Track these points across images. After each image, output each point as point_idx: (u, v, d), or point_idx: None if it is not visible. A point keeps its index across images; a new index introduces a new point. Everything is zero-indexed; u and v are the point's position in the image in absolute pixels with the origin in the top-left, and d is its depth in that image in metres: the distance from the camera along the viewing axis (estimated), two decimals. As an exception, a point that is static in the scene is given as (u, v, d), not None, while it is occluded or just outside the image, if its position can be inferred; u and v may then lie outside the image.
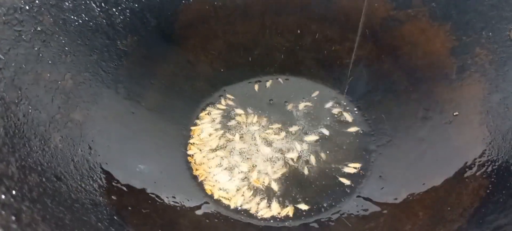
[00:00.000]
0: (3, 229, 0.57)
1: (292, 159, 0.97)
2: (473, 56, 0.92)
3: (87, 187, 0.80)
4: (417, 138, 0.93)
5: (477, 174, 0.79)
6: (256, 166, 0.95)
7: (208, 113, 1.06)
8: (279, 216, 0.89)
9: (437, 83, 0.97)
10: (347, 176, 0.93)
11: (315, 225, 0.87)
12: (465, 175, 0.81)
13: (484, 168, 0.79)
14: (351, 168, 0.94)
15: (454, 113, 0.91)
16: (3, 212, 0.59)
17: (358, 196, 0.91)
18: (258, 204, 0.90)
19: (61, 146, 0.80)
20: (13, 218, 0.60)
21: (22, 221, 0.61)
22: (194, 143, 1.00)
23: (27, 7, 0.83)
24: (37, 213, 0.65)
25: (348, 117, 1.03)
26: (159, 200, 0.87)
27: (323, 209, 0.89)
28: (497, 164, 0.78)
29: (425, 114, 0.96)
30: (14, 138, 0.72)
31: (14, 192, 0.64)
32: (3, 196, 0.62)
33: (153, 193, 0.87)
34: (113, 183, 0.84)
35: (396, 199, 0.86)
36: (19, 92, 0.77)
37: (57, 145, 0.79)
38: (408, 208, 0.83)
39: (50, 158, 0.77)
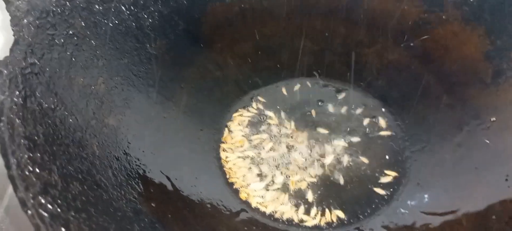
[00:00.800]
0: (55, 241, 0.56)
1: (326, 165, 0.95)
2: (508, 60, 0.91)
3: (127, 195, 0.78)
4: (454, 143, 0.92)
5: (522, 182, 0.78)
6: (290, 171, 0.94)
7: (240, 115, 1.04)
8: (318, 224, 0.87)
9: (471, 88, 0.96)
10: (384, 184, 0.91)
11: (356, 233, 0.85)
12: (508, 182, 0.79)
13: (528, 176, 0.78)
14: (388, 176, 0.92)
15: (492, 119, 0.89)
16: (53, 223, 0.58)
17: (397, 204, 0.89)
18: (297, 211, 0.89)
19: (98, 153, 0.79)
20: (63, 229, 0.58)
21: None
22: (227, 148, 0.99)
23: (59, 10, 0.81)
24: (84, 222, 0.64)
25: (381, 122, 1.02)
26: (197, 207, 0.85)
27: (361, 217, 0.88)
28: (542, 170, 0.77)
29: (460, 120, 0.95)
30: (53, 145, 0.70)
31: (59, 201, 0.62)
32: (50, 206, 0.60)
33: (190, 199, 0.86)
34: (151, 190, 0.83)
35: (437, 207, 0.85)
36: (55, 98, 0.75)
37: (95, 151, 0.78)
38: (451, 217, 0.81)
39: (89, 166, 0.75)
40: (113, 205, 0.74)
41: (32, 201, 0.59)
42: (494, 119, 0.90)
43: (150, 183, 0.85)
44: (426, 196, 0.88)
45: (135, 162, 0.85)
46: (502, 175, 0.82)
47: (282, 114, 1.05)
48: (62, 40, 0.81)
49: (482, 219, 0.79)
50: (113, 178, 0.78)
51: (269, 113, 1.05)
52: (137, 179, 0.83)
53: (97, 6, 0.90)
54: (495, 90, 0.92)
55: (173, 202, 0.84)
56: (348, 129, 1.03)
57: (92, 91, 0.84)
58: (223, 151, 0.99)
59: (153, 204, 0.80)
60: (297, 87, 1.11)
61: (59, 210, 0.62)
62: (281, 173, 0.94)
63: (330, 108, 1.07)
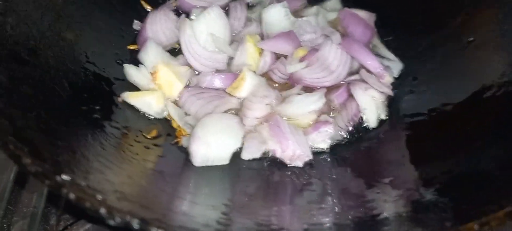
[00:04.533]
0: None
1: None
2: (487, -19, 0.87)
3: (82, 106, 0.74)
4: (433, 64, 0.90)
5: (498, 94, 0.76)
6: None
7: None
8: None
9: (450, 10, 0.92)
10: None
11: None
12: (485, 96, 0.77)
13: (504, 88, 0.75)
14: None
15: (469, 39, 0.86)
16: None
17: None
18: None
19: (53, 63, 0.74)
20: (7, 122, 0.54)
21: (16, 125, 0.55)
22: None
23: None
24: (32, 120, 0.59)
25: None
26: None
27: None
28: (517, 82, 0.74)
29: (438, 41, 0.92)
30: (2, 49, 0.66)
31: (4, 99, 0.58)
32: (-7, 100, 0.55)
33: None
34: (109, 106, 0.80)
35: (417, 120, 0.84)
36: (7, 3, 0.70)
37: (49, 62, 0.73)
38: (432, 127, 0.81)
39: (42, 74, 0.71)
40: (67, 112, 0.69)
41: (-28, 91, 0.54)
42: (472, 38, 0.87)
43: (107, 99, 0.81)
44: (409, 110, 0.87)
45: (92, 77, 0.81)
46: (478, 90, 0.79)
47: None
48: None
49: (459, 128, 0.77)
50: (69, 89, 0.74)
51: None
52: (94, 93, 0.79)
53: None
54: (474, 11, 0.89)
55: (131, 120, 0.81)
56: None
57: (48, 3, 0.79)
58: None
59: (109, 118, 0.76)
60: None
61: (3, 105, 0.57)
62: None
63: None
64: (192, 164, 0.76)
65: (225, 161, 0.77)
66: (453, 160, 0.71)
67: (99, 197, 0.48)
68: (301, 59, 0.88)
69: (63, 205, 0.78)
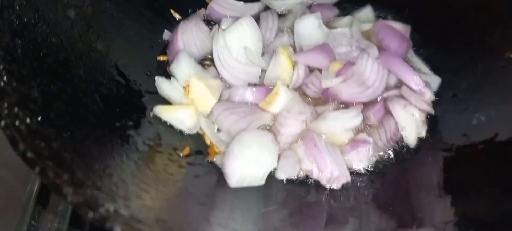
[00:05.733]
0: (34, 154, 0.48)
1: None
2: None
3: (115, 122, 0.71)
4: (472, 80, 0.86)
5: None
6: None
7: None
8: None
9: (488, 25, 0.88)
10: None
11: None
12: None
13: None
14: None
15: (511, 55, 0.82)
16: (31, 137, 0.50)
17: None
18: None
19: (84, 76, 0.71)
20: (43, 144, 0.51)
21: (53, 147, 0.52)
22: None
23: None
24: (67, 141, 0.56)
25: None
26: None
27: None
28: None
29: (477, 56, 0.88)
30: (33, 61, 0.63)
31: (40, 118, 0.55)
32: (28, 120, 0.53)
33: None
34: (141, 120, 0.76)
35: (454, 145, 0.79)
36: (36, 14, 0.67)
37: (81, 75, 0.71)
38: (470, 156, 0.76)
39: (75, 88, 0.67)
40: (100, 129, 0.66)
41: (6, 111, 0.51)
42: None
43: (139, 113, 0.78)
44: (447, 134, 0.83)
45: (123, 90, 0.78)
46: None
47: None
48: (45, -45, 0.71)
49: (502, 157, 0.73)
50: (101, 104, 0.71)
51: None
52: (126, 108, 0.76)
53: None
54: (512, 26, 0.85)
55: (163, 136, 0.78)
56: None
57: (78, 13, 0.76)
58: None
59: (142, 135, 0.73)
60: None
61: (38, 125, 0.54)
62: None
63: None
64: (226, 184, 0.73)
65: (261, 181, 0.74)
66: (489, 195, 0.68)
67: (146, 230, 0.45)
68: (337, 74, 0.85)
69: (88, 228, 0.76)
